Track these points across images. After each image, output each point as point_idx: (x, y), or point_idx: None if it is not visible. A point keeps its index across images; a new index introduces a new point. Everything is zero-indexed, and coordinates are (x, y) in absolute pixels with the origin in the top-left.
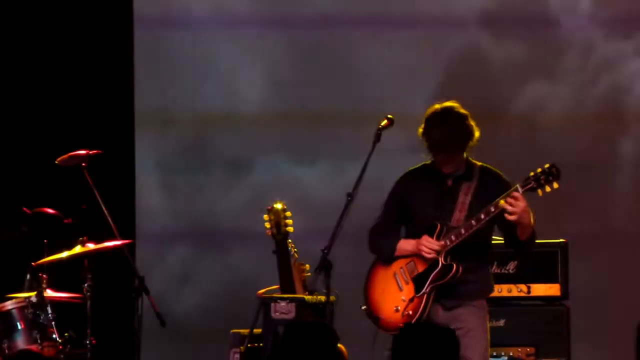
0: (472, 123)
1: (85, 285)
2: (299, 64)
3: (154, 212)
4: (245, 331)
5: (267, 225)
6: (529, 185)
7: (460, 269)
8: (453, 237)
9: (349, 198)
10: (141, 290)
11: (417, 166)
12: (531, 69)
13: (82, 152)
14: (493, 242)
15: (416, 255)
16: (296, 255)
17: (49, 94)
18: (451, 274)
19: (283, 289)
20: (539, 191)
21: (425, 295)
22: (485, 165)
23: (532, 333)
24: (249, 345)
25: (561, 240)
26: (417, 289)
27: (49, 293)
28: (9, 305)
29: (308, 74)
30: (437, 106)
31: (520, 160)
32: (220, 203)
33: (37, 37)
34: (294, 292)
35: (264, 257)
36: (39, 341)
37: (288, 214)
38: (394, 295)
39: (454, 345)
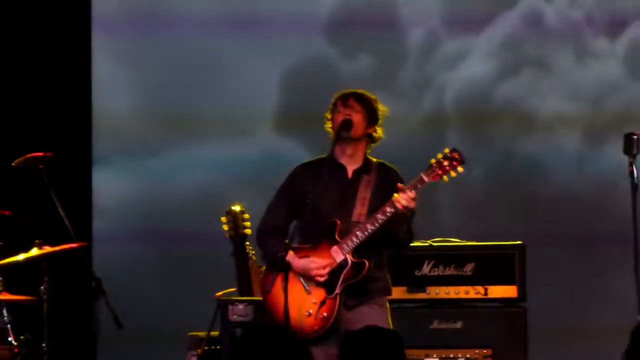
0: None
1: (42, 287)
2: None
3: (111, 214)
4: (202, 334)
5: (225, 227)
6: (435, 173)
7: (372, 264)
8: (359, 233)
9: None
10: (98, 292)
11: (313, 159)
12: (376, 78)
13: (39, 153)
14: (451, 243)
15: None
16: (254, 257)
17: (4, 95)
18: (364, 271)
19: (241, 292)
20: (445, 177)
21: (337, 296)
22: (381, 161)
23: (489, 335)
24: (206, 347)
25: (518, 242)
26: (329, 290)
27: (5, 295)
28: None
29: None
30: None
31: None
32: (177, 204)
33: None
34: (251, 294)
35: (222, 259)
36: None
37: (246, 216)
38: (302, 300)
39: (400, 347)
